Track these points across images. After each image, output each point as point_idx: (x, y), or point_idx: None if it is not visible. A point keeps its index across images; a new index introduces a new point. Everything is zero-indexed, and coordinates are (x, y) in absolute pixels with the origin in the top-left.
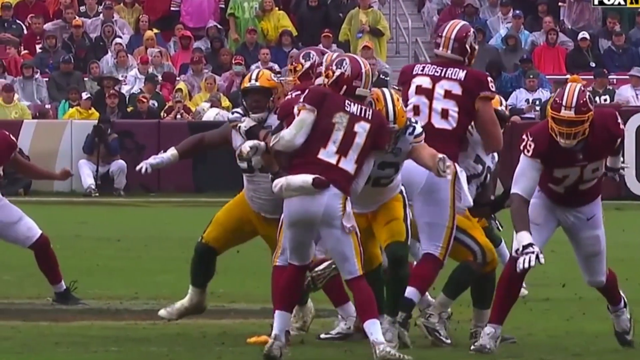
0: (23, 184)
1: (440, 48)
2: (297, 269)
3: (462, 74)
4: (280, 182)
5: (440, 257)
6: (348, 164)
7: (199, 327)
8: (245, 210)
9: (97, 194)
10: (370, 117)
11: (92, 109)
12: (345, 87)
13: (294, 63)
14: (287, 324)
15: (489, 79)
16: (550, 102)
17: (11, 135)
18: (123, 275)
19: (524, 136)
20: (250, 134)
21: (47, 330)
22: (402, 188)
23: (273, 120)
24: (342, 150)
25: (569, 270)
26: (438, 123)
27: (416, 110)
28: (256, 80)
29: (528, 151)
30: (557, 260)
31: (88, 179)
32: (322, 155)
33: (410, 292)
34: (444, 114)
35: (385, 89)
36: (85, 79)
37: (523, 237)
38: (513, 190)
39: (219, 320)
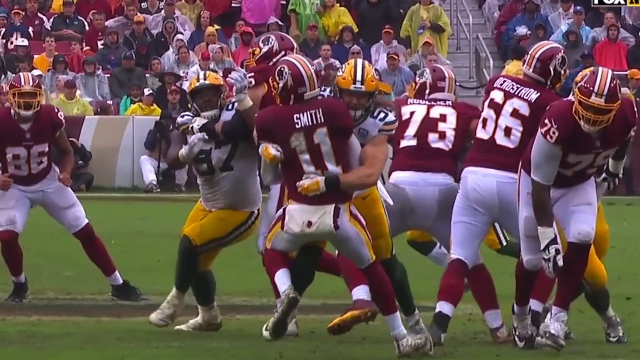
0: (85, 179)
1: (524, 65)
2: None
3: (534, 96)
4: (300, 220)
5: None
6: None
7: (261, 323)
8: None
9: (158, 190)
10: (322, 118)
11: (154, 105)
12: (292, 97)
13: (253, 46)
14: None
15: None
16: (579, 85)
17: (60, 114)
18: None
19: (547, 120)
20: (204, 130)
21: (109, 326)
22: (380, 185)
23: (225, 116)
24: (319, 165)
25: (629, 266)
26: (500, 140)
27: (484, 123)
28: (205, 80)
29: (551, 137)
30: (616, 256)
31: (150, 175)
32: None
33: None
34: (507, 131)
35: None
36: (147, 75)
37: (546, 234)
38: (534, 177)
39: None
